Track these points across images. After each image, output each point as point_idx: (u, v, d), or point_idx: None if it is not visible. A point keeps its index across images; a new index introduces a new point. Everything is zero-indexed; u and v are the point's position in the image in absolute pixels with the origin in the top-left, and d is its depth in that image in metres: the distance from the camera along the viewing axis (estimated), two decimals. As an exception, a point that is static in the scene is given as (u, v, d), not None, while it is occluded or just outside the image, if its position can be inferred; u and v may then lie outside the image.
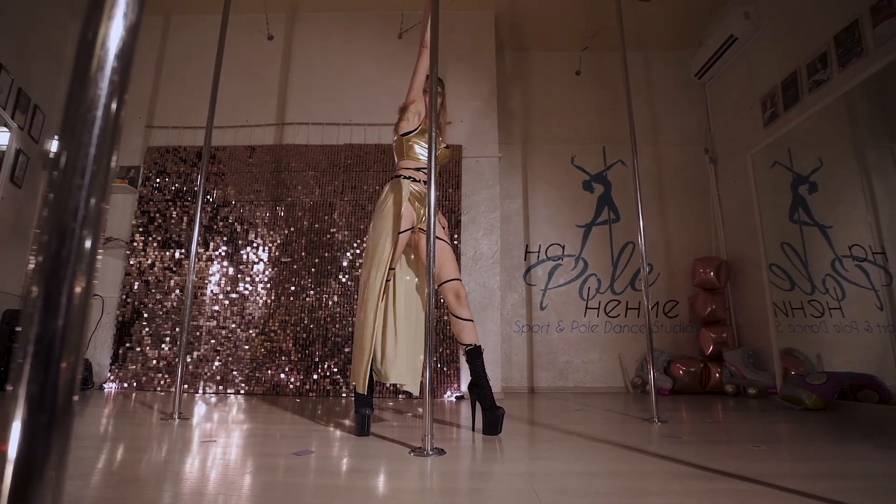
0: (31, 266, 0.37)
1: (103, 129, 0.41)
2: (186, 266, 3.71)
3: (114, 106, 0.42)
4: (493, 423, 1.90)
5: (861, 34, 2.78)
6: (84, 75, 0.41)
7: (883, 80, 2.74)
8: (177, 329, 3.58)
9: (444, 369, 3.49)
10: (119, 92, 0.43)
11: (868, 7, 2.74)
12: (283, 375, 3.47)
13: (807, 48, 3.28)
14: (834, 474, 1.40)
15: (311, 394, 3.44)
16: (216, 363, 3.51)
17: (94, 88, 0.41)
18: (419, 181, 2.09)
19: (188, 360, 3.51)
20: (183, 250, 3.73)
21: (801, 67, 3.33)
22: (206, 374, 3.49)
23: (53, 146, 2.57)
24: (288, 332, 3.55)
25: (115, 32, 0.42)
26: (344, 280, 3.65)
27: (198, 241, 2.49)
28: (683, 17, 4.33)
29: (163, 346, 3.56)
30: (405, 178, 2.06)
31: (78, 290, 0.38)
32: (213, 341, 3.56)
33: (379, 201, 2.06)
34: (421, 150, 2.10)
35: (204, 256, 3.71)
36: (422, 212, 2.06)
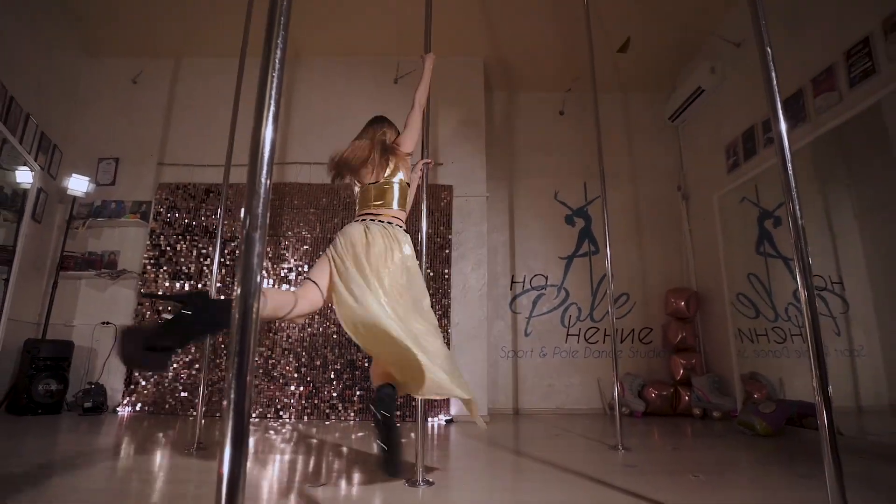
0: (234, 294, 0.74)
1: (265, 198, 0.76)
2: (195, 296, 3.98)
3: (268, 183, 0.76)
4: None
5: (804, 102, 3.15)
6: (255, 162, 0.78)
7: (832, 136, 3.10)
8: (185, 357, 3.84)
9: (435, 395, 3.79)
10: (270, 170, 0.81)
11: (810, 79, 3.10)
12: (286, 400, 3.75)
13: (763, 106, 3.62)
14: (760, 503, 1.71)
15: (311, 418, 3.72)
16: (221, 387, 3.78)
17: (260, 170, 0.76)
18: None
19: (190, 384, 3.78)
20: (192, 281, 4.00)
21: (757, 123, 3.69)
22: (215, 400, 3.76)
23: (71, 183, 2.90)
24: (290, 359, 3.83)
25: (269, 132, 0.81)
26: (342, 311, 3.95)
27: (207, 272, 2.75)
28: (658, 65, 4.70)
29: (172, 372, 3.82)
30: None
31: (253, 315, 0.71)
32: (220, 369, 3.83)
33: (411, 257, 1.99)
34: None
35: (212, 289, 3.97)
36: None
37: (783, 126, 1.48)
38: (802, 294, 1.37)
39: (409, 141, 2.17)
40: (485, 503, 1.69)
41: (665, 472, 2.16)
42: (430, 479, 1.89)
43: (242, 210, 0.79)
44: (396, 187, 2.06)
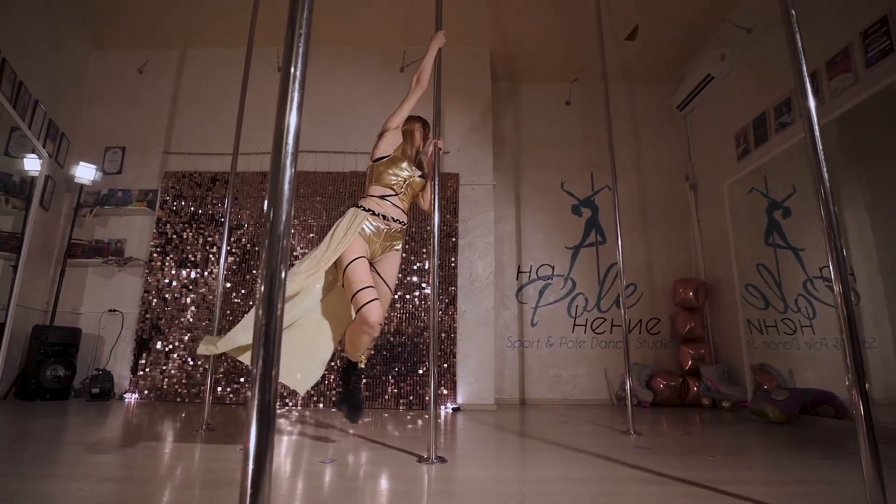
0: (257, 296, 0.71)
1: (290, 192, 0.73)
2: (201, 283, 3.97)
3: (291, 170, 0.74)
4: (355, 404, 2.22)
5: (819, 85, 3.10)
6: (279, 154, 0.74)
7: (844, 123, 3.06)
8: (192, 343, 3.84)
9: (443, 381, 3.76)
10: (294, 163, 0.77)
11: (824, 62, 3.06)
12: (288, 388, 3.73)
13: (774, 92, 3.60)
14: (770, 481, 1.68)
15: (319, 405, 3.70)
16: (232, 375, 3.77)
17: (284, 162, 0.74)
18: (378, 214, 2.12)
19: (197, 373, 3.77)
20: (199, 269, 4.00)
21: (769, 109, 3.65)
22: (224, 385, 3.75)
23: (79, 171, 2.89)
24: (297, 347, 3.82)
25: (293, 120, 0.77)
26: (349, 299, 3.93)
27: (213, 259, 2.75)
28: (667, 53, 4.66)
29: (178, 359, 3.82)
30: (364, 209, 2.12)
31: (278, 312, 0.69)
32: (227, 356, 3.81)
33: (340, 224, 2.09)
34: (391, 177, 2.16)
35: (219, 276, 3.97)
36: (376, 248, 2.15)
37: (812, 102, 1.42)
38: (836, 287, 1.30)
39: (394, 117, 2.21)
40: (501, 479, 1.67)
41: (679, 454, 2.13)
42: (443, 457, 1.87)
43: (266, 202, 0.81)
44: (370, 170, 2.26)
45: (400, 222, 2.21)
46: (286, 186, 0.75)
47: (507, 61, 4.84)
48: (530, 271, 4.63)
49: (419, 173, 2.26)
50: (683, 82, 4.61)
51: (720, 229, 4.29)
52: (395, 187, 2.18)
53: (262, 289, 0.70)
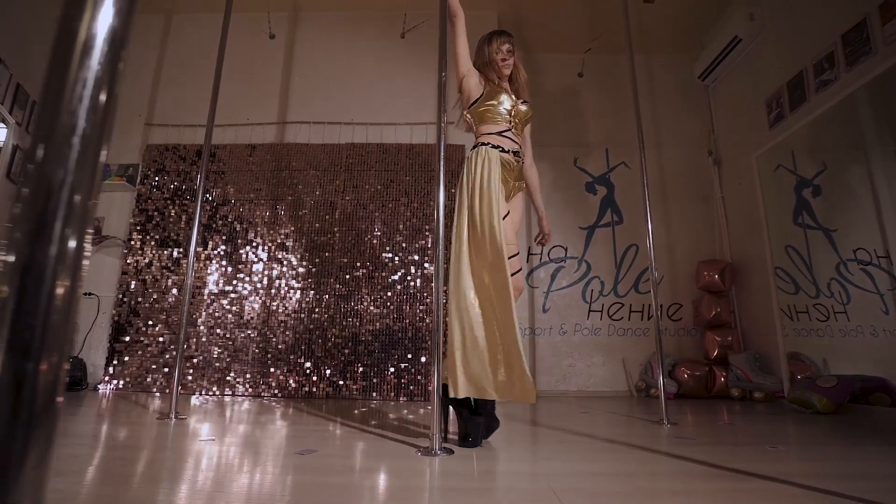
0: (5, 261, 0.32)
1: (91, 116, 0.35)
2: (184, 265, 3.65)
3: (103, 94, 0.36)
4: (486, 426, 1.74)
5: (870, 33, 2.76)
6: (69, 50, 0.36)
7: (890, 81, 2.72)
8: (172, 329, 3.51)
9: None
10: (111, 70, 0.37)
11: (877, 6, 2.72)
12: (281, 377, 3.40)
13: (813, 48, 3.26)
14: (854, 475, 1.34)
15: (310, 396, 3.37)
16: (216, 364, 3.44)
17: (82, 67, 0.36)
18: (508, 151, 1.86)
19: (186, 361, 3.44)
20: (181, 249, 3.67)
21: (807, 67, 3.30)
22: (202, 375, 3.42)
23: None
24: (287, 332, 3.49)
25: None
26: (347, 279, 3.60)
27: (196, 240, 2.44)
28: (686, 19, 4.32)
29: (158, 346, 3.49)
30: (493, 146, 1.84)
31: (60, 290, 0.33)
32: (210, 342, 3.49)
33: (478, 177, 1.79)
34: (495, 112, 1.91)
35: (202, 255, 3.65)
36: (509, 189, 1.89)
37: None
38: None
39: (458, 63, 2.02)
40: (521, 473, 1.34)
41: (728, 444, 1.80)
42: (450, 448, 1.54)
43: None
44: None
45: (521, 158, 1.93)
46: (88, 96, 0.35)
47: (516, 28, 4.50)
48: (541, 253, 4.29)
49: (521, 100, 1.99)
50: (706, 49, 4.27)
51: (748, 206, 3.94)
52: (504, 121, 1.91)
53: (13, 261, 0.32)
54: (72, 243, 0.34)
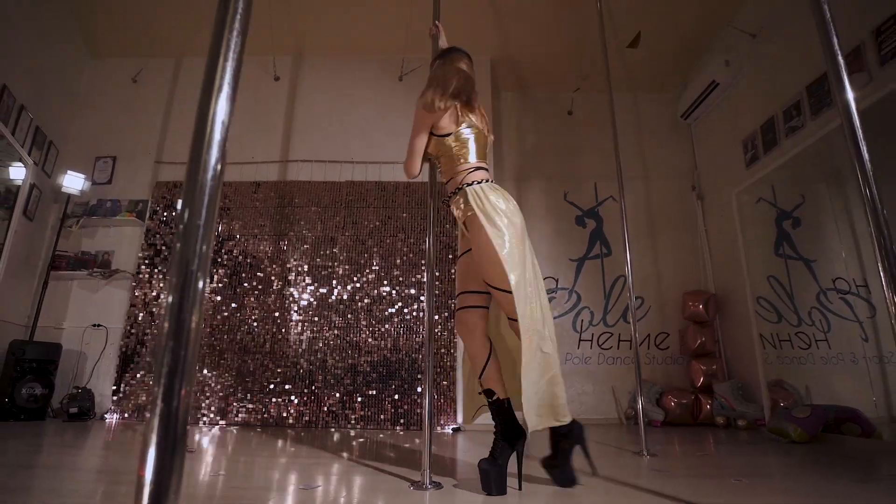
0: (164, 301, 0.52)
1: (213, 188, 0.56)
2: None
3: (219, 167, 0.57)
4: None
5: (829, 87, 2.98)
6: (200, 145, 0.57)
7: (866, 119, 2.93)
8: (179, 360, 3.65)
9: (441, 400, 3.56)
10: (222, 156, 0.58)
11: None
12: (282, 406, 3.53)
13: (783, 95, 3.49)
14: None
15: (313, 426, 3.50)
16: (219, 393, 3.57)
17: (208, 155, 0.56)
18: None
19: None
20: (187, 282, 3.83)
21: (777, 113, 3.54)
22: (209, 406, 3.55)
23: (66, 180, 2.71)
24: (288, 363, 3.63)
25: (221, 108, 0.58)
26: (346, 311, 3.75)
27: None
28: (669, 61, 4.58)
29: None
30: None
31: (193, 324, 0.51)
32: (213, 371, 3.63)
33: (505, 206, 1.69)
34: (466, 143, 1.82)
35: (207, 288, 3.81)
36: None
37: (848, 89, 1.26)
38: (888, 294, 1.12)
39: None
40: (501, 506, 1.49)
41: (700, 477, 1.94)
42: (438, 482, 1.68)
43: (180, 202, 0.63)
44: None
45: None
46: (208, 185, 0.56)
47: (508, 70, 4.77)
48: (533, 284, 4.46)
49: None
50: (687, 90, 4.52)
51: (729, 239, 4.13)
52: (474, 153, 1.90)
53: (171, 298, 0.52)
54: (200, 284, 0.53)
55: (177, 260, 0.53)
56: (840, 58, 1.30)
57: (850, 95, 1.28)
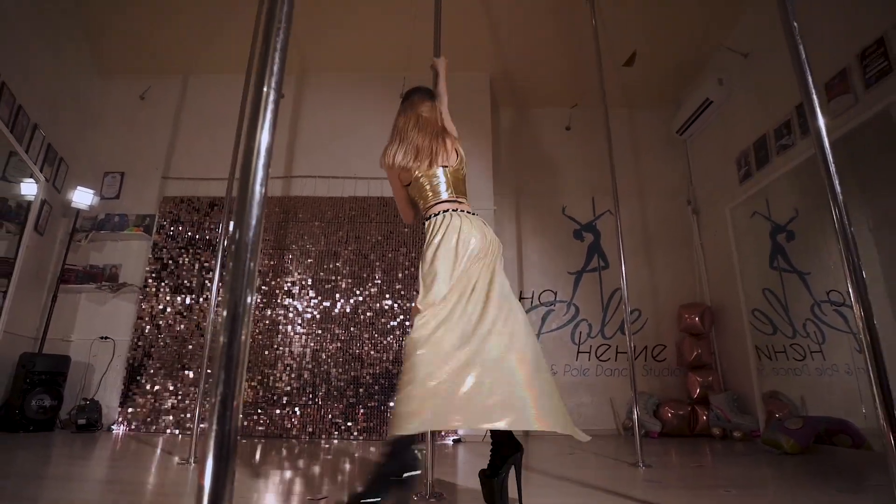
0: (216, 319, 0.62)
1: (259, 208, 0.66)
2: (196, 310, 3.89)
3: (264, 190, 0.68)
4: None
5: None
6: (248, 170, 0.66)
7: (843, 144, 3.03)
8: (185, 372, 3.72)
9: (442, 412, 3.63)
10: (265, 179, 0.69)
11: (822, 84, 3.06)
12: (286, 418, 3.60)
13: (773, 115, 3.60)
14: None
15: (316, 437, 3.56)
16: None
17: (254, 180, 0.66)
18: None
19: (189, 402, 3.64)
20: (194, 295, 3.92)
21: (769, 132, 3.64)
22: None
23: (76, 196, 2.81)
24: (292, 375, 3.70)
25: (265, 137, 0.68)
26: (349, 324, 3.83)
27: (210, 286, 2.67)
28: (664, 79, 4.70)
29: (170, 389, 3.70)
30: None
31: (242, 338, 0.60)
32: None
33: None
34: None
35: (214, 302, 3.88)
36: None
37: (821, 120, 1.37)
38: (856, 309, 1.22)
39: (453, 127, 1.99)
40: (500, 516, 1.56)
41: (691, 488, 2.01)
42: (440, 493, 1.75)
43: (231, 224, 0.70)
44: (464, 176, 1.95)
45: None
46: (255, 209, 0.65)
47: (507, 87, 4.88)
48: (532, 297, 4.55)
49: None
50: (682, 108, 4.63)
51: (724, 253, 4.22)
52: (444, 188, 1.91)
53: (226, 314, 0.61)
54: (249, 299, 0.62)
55: (230, 276, 0.62)
56: (813, 92, 1.41)
57: (822, 123, 1.39)
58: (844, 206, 1.30)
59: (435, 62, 2.31)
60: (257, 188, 0.67)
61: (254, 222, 0.65)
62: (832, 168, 1.33)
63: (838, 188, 1.31)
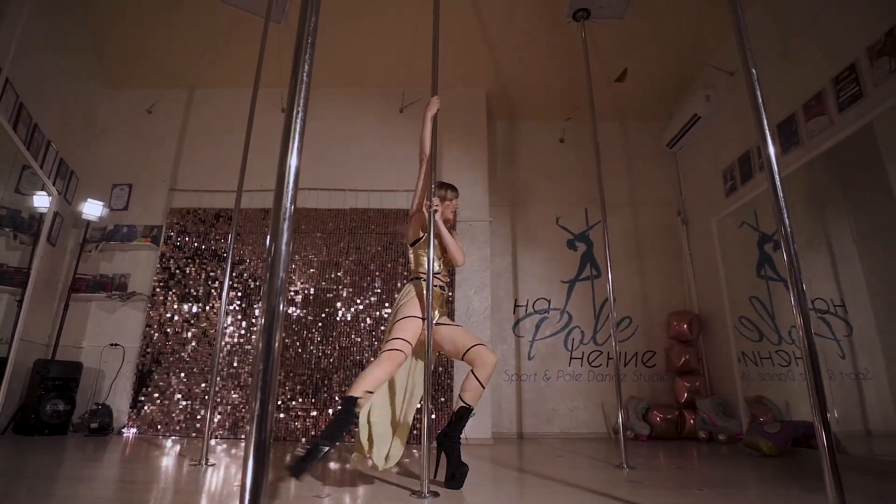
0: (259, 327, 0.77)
1: (289, 224, 0.81)
2: (203, 318, 4.04)
3: (292, 207, 0.83)
4: (457, 479, 2.02)
5: (797, 127, 3.26)
6: (280, 194, 0.82)
7: (829, 160, 3.19)
8: (193, 377, 3.88)
9: (438, 415, 3.78)
10: (295, 196, 0.86)
11: (801, 105, 3.23)
12: (290, 421, 3.75)
13: (756, 132, 3.75)
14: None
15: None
16: (228, 408, 3.79)
17: (286, 197, 0.82)
18: (436, 285, 2.20)
19: (196, 406, 3.79)
20: (200, 304, 4.07)
21: (752, 148, 3.81)
22: (223, 423, 3.76)
23: (86, 208, 3.00)
24: (295, 380, 3.85)
25: (294, 162, 0.85)
26: (350, 332, 3.99)
27: (215, 294, 2.81)
28: (655, 94, 4.87)
29: (178, 394, 3.85)
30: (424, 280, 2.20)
31: (276, 344, 0.76)
32: (226, 388, 3.85)
33: (401, 295, 2.26)
34: (425, 258, 2.22)
35: (220, 309, 4.04)
36: (436, 312, 2.21)
37: (772, 150, 1.54)
38: (797, 318, 1.39)
39: (414, 200, 2.35)
40: (489, 513, 1.71)
41: (668, 488, 2.16)
42: (436, 491, 1.91)
43: (268, 239, 0.84)
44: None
45: (445, 290, 2.38)
46: (286, 224, 0.83)
47: (503, 101, 5.05)
48: (527, 305, 4.70)
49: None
50: (671, 122, 4.80)
51: (712, 263, 4.38)
52: (435, 264, 2.22)
53: (263, 321, 0.77)
54: (282, 307, 0.78)
55: (268, 287, 0.78)
56: (767, 132, 1.57)
57: (774, 161, 1.55)
58: (791, 231, 1.46)
59: (428, 105, 2.41)
60: (287, 205, 0.84)
61: (285, 236, 0.82)
62: (783, 203, 1.49)
63: (786, 219, 1.47)
